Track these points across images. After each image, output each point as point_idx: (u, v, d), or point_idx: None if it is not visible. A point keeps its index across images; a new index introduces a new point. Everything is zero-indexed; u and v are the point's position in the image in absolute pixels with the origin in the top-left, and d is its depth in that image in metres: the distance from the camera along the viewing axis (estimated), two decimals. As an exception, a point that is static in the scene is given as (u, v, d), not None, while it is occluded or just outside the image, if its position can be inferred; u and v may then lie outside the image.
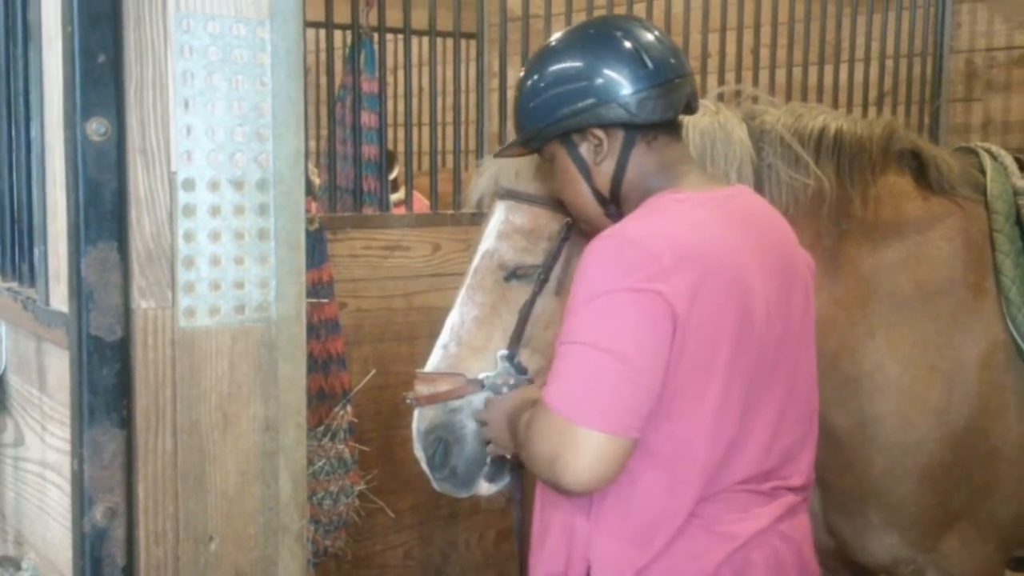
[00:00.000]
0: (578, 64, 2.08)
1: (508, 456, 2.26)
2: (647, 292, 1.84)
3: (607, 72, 2.05)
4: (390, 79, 5.65)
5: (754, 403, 1.97)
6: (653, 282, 1.84)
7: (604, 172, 2.10)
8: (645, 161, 2.08)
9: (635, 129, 2.07)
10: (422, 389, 2.33)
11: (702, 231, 1.95)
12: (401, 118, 3.96)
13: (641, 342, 1.85)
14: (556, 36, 2.19)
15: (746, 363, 1.93)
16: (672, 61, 2.09)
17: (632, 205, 2.07)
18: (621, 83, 2.04)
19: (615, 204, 2.13)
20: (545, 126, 2.11)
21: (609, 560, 1.94)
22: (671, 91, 2.06)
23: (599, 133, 2.07)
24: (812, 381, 2.15)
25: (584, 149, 2.10)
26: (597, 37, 2.10)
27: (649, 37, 2.09)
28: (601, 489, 1.91)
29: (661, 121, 2.07)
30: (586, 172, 2.12)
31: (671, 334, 1.85)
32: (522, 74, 2.20)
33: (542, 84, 2.12)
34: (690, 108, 2.16)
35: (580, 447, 1.84)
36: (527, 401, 2.10)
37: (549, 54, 2.15)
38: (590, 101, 2.05)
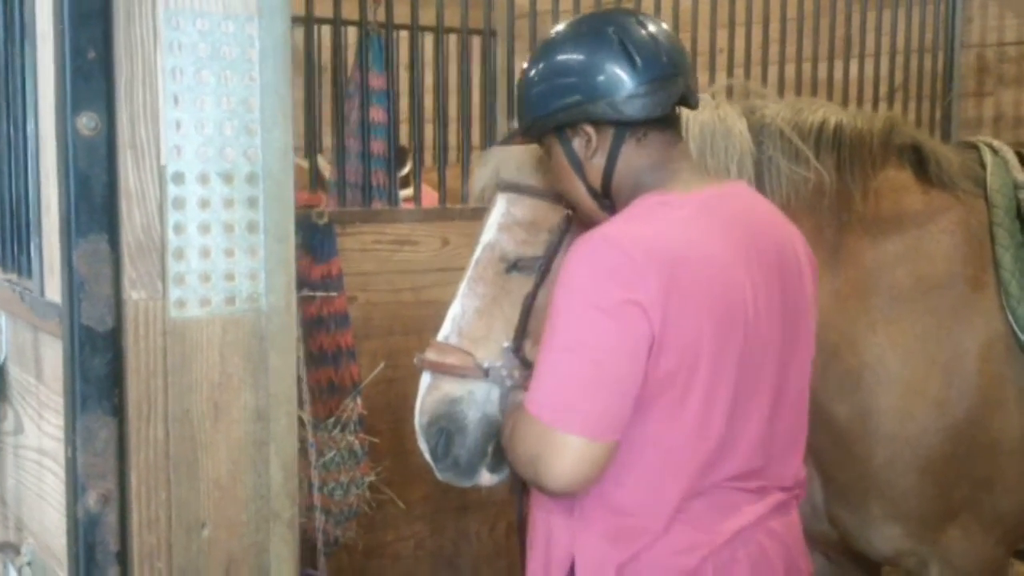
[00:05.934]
0: (569, 59, 2.09)
1: None
2: (625, 297, 1.86)
3: (594, 70, 2.05)
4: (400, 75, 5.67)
5: (744, 402, 1.97)
6: (631, 286, 1.86)
7: (595, 167, 2.11)
8: (635, 157, 2.08)
9: (624, 126, 2.07)
10: (431, 355, 2.35)
11: (682, 234, 1.95)
12: (406, 114, 3.98)
13: (617, 348, 1.87)
14: (557, 28, 2.21)
15: (731, 363, 1.94)
16: (664, 59, 2.07)
17: (624, 200, 2.08)
18: (608, 81, 2.04)
19: (608, 198, 2.14)
20: (541, 117, 2.13)
21: (591, 555, 1.95)
22: (660, 88, 2.05)
23: (588, 129, 2.08)
24: (806, 380, 2.15)
25: (576, 144, 2.11)
26: (589, 33, 2.11)
27: (642, 33, 2.08)
28: (582, 490, 1.94)
29: (650, 119, 2.07)
30: (578, 167, 2.13)
31: (648, 338, 1.86)
32: (525, 64, 2.22)
33: (538, 76, 2.14)
34: (688, 103, 2.15)
35: (560, 451, 1.87)
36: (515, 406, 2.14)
37: (547, 47, 2.17)
38: (577, 98, 2.06)
